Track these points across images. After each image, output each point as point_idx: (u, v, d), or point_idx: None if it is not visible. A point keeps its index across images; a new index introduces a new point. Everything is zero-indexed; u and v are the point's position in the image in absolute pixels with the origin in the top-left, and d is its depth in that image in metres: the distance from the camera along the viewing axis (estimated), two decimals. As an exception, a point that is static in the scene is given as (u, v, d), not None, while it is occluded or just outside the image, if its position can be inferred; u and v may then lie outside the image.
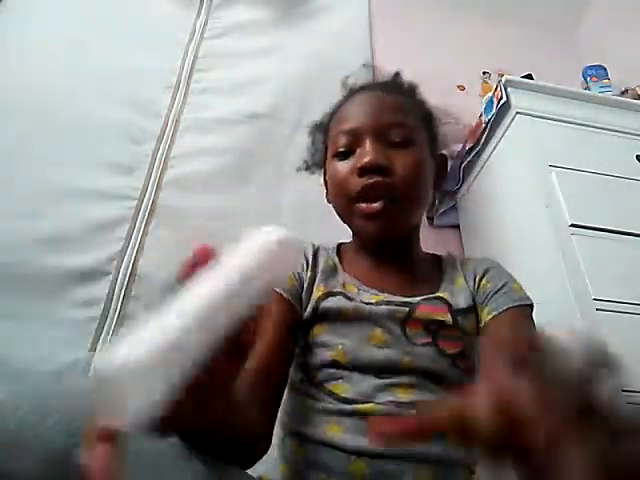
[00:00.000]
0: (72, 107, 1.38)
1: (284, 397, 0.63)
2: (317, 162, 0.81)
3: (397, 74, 0.81)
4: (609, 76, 1.75)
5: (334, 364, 0.60)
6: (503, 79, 1.35)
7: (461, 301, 0.64)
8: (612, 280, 1.03)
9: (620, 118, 1.35)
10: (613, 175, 1.22)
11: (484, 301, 0.65)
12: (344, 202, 0.69)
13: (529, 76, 1.48)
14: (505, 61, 1.90)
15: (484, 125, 1.39)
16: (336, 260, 0.71)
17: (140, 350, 0.26)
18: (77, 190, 1.25)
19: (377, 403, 0.56)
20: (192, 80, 1.54)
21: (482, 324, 0.64)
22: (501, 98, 1.32)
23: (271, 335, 0.60)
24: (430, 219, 1.55)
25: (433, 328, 0.61)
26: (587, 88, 1.74)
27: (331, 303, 0.64)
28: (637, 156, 1.27)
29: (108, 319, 1.10)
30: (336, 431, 0.56)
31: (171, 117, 1.44)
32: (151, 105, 1.45)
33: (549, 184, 1.17)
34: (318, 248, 0.73)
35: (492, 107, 1.36)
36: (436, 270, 0.72)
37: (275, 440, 0.58)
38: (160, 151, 1.37)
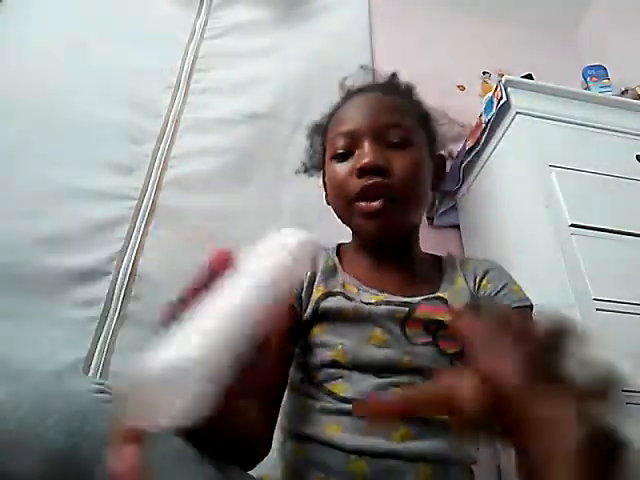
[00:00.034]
0: (72, 107, 1.38)
1: (284, 398, 0.63)
2: (315, 164, 0.82)
3: (394, 75, 0.81)
4: (609, 76, 1.74)
5: (334, 364, 0.60)
6: (503, 79, 1.35)
7: (461, 301, 0.64)
8: (612, 280, 1.03)
9: (620, 118, 1.35)
10: (613, 175, 1.21)
11: (484, 301, 0.65)
12: (344, 203, 0.69)
13: (529, 76, 1.48)
14: (505, 61, 1.89)
15: (484, 125, 1.39)
16: (336, 260, 0.72)
17: (184, 352, 0.26)
18: (77, 190, 1.25)
19: (377, 403, 0.56)
20: (192, 80, 1.53)
21: None
22: (501, 98, 1.32)
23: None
24: (430, 219, 1.55)
25: (433, 328, 0.61)
26: (587, 88, 1.73)
27: (331, 303, 0.64)
28: (637, 156, 1.27)
29: (108, 319, 1.10)
30: (335, 430, 0.56)
31: (171, 117, 1.44)
32: (151, 105, 1.45)
33: (549, 184, 1.17)
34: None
35: (492, 107, 1.36)
36: (436, 270, 0.72)
37: (275, 444, 0.59)
38: (160, 151, 1.37)
